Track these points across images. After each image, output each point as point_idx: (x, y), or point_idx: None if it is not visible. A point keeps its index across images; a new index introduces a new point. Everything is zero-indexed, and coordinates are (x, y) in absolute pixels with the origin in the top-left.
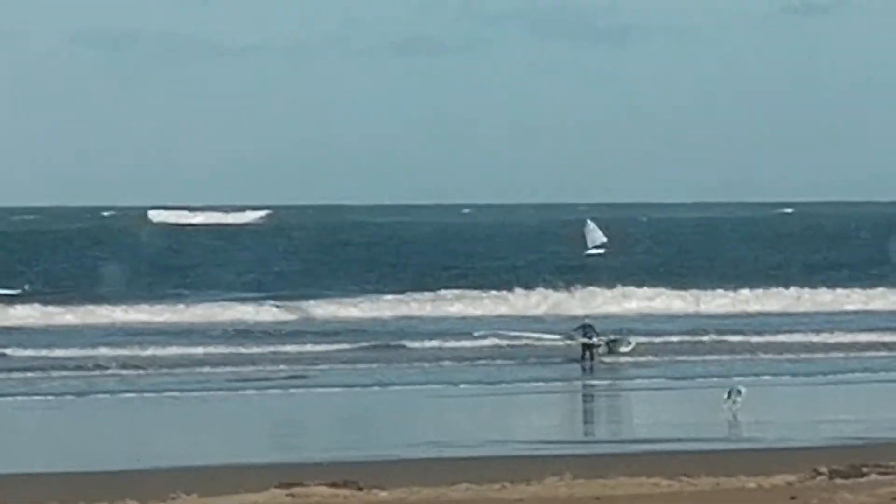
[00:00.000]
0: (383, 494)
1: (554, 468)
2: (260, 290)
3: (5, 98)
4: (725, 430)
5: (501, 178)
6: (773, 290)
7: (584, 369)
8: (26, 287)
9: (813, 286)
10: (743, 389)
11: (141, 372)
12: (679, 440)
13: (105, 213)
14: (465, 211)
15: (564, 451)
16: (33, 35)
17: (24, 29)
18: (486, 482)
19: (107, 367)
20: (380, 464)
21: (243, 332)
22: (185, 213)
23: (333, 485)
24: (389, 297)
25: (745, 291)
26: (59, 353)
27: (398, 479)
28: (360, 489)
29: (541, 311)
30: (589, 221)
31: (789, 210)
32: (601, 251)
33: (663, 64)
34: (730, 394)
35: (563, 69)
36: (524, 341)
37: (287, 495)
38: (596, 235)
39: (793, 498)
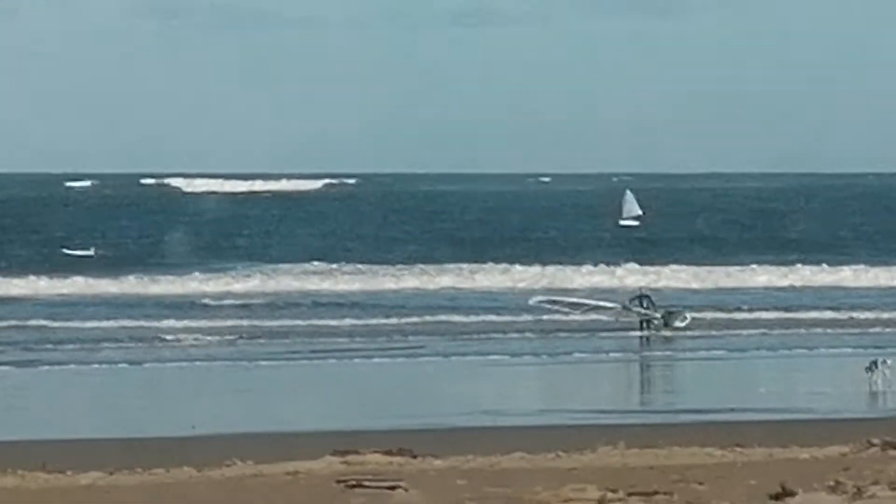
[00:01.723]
0: (437, 463)
1: (608, 437)
2: (322, 258)
3: (65, 68)
4: (786, 401)
5: (562, 148)
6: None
7: (640, 340)
8: (94, 250)
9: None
10: (889, 360)
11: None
12: (732, 410)
13: (146, 181)
14: (545, 179)
15: (618, 420)
16: (93, 7)
17: (83, 1)
18: (540, 451)
19: (165, 338)
20: (434, 432)
21: (294, 304)
22: (240, 182)
23: (388, 452)
24: (450, 265)
25: (800, 266)
26: (123, 323)
27: (452, 447)
28: (415, 457)
29: (594, 281)
30: (627, 192)
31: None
32: (636, 223)
33: (719, 36)
34: (873, 365)
35: (620, 41)
36: (581, 309)
37: (342, 462)
38: (632, 206)
39: (846, 469)
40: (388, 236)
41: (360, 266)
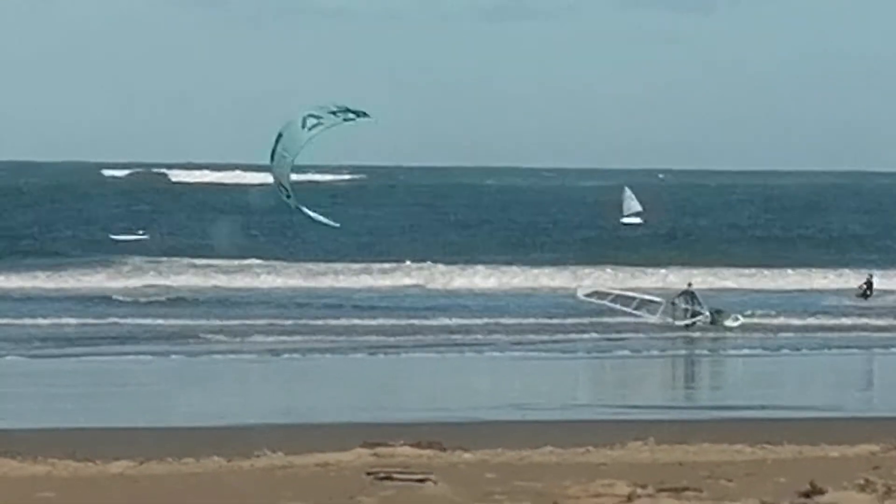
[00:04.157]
0: (466, 456)
1: (638, 433)
2: (347, 255)
3: (102, 54)
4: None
5: (587, 143)
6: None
7: (682, 337)
8: (143, 233)
9: None
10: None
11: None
12: (763, 408)
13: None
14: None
15: (649, 416)
16: None
17: None
18: (570, 445)
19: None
20: (464, 425)
21: (305, 305)
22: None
23: (417, 445)
24: (500, 262)
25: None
26: (168, 321)
27: (482, 440)
28: (444, 450)
29: (646, 280)
30: (626, 189)
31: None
32: (638, 220)
33: (750, 32)
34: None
35: (647, 36)
36: (626, 303)
37: (372, 455)
38: (632, 204)
39: (875, 468)
40: (406, 230)
41: (385, 265)
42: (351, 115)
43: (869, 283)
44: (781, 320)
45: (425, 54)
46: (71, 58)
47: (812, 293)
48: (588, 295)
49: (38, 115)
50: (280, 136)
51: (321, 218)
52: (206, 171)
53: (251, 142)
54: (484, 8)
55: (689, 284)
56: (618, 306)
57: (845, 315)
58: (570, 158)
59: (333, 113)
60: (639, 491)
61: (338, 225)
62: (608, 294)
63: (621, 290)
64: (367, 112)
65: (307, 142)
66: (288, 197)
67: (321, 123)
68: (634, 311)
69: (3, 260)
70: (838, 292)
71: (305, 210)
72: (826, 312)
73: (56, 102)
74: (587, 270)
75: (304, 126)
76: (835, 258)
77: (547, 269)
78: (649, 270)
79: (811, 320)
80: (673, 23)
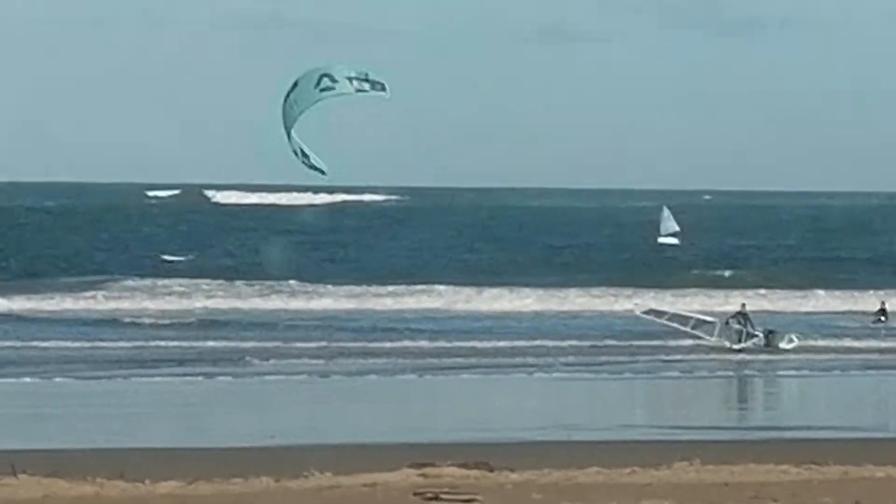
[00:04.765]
0: (513, 476)
1: (684, 453)
2: (393, 276)
3: (155, 78)
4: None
5: (633, 164)
6: None
7: (736, 358)
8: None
9: None
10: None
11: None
12: (808, 428)
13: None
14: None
15: (695, 436)
16: (182, 19)
17: (174, 14)
18: (616, 466)
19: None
20: (511, 446)
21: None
22: (326, 195)
23: (464, 465)
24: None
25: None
26: (214, 343)
27: (528, 461)
28: (491, 470)
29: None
30: (665, 209)
31: None
32: (675, 241)
33: (791, 55)
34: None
35: (695, 58)
36: (683, 322)
37: (419, 475)
38: (669, 224)
39: None
40: (455, 251)
41: (439, 287)
42: (366, 86)
43: (883, 310)
44: (829, 342)
45: (477, 74)
46: (118, 80)
47: (858, 315)
48: (645, 313)
49: (87, 137)
50: (296, 83)
51: (318, 162)
52: (247, 193)
53: (293, 164)
54: (537, 29)
55: (743, 306)
56: (674, 325)
57: (893, 336)
58: (617, 179)
59: (350, 79)
60: None
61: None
62: (664, 313)
63: (676, 310)
64: (384, 86)
65: (313, 103)
66: (289, 139)
67: (333, 88)
68: (692, 331)
69: (48, 279)
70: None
71: (303, 150)
72: (870, 335)
73: (103, 124)
74: (628, 291)
75: (317, 85)
76: (883, 279)
77: (594, 290)
78: (690, 291)
79: (855, 343)
80: (721, 45)
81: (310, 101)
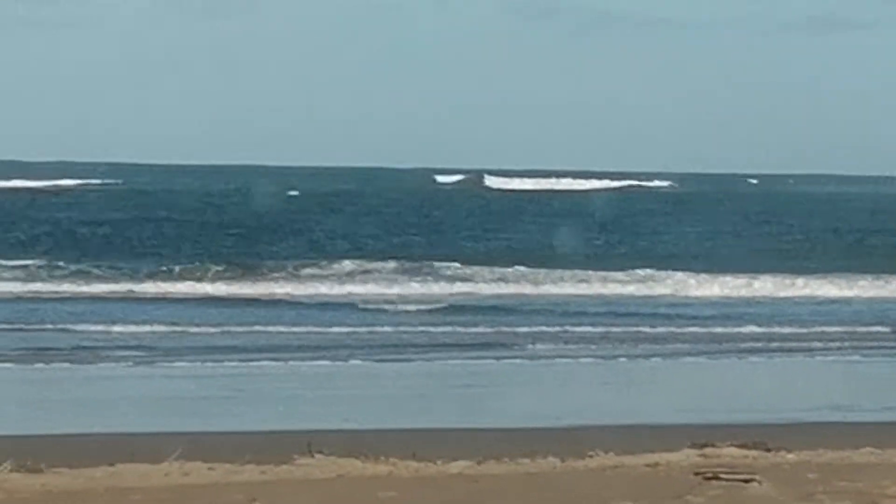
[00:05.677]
0: (790, 456)
1: None
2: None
3: (439, 61)
4: None
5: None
6: None
7: None
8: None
9: None
10: None
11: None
12: None
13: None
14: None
15: None
16: (467, 3)
17: None
18: (890, 447)
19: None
20: (787, 426)
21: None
22: (542, 179)
23: (743, 446)
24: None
25: None
26: (491, 328)
27: (804, 441)
28: (768, 451)
29: None
30: None
31: None
32: None
33: None
34: None
35: None
36: None
37: (699, 455)
38: None
39: None
40: (731, 237)
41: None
42: None
43: None
44: None
45: (749, 65)
46: (404, 66)
47: None
48: None
49: (381, 125)
50: None
51: None
52: (524, 179)
53: (575, 150)
54: (812, 17)
55: None
56: None
57: None
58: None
59: None
60: None
61: None
62: None
63: None
64: None
65: None
66: None
67: None
68: None
69: (342, 263)
70: None
71: None
72: None
73: (392, 111)
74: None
75: None
76: None
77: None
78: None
79: None
80: None
81: None
